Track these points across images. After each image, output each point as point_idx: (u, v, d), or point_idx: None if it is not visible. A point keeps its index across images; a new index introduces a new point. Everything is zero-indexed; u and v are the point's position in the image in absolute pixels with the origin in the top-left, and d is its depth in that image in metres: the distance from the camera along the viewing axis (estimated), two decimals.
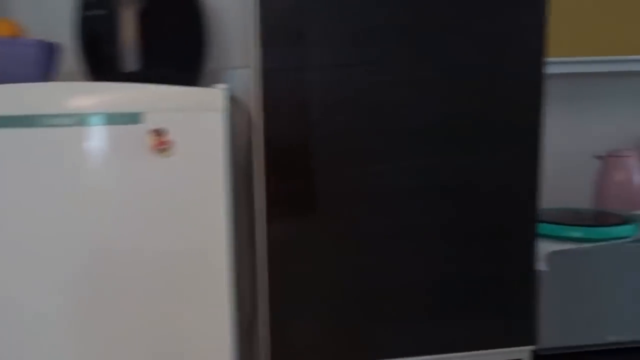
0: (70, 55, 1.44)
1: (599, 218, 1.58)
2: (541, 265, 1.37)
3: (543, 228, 1.49)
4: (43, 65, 1.15)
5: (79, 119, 1.06)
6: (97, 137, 1.07)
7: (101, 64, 1.34)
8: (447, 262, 1.30)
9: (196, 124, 1.09)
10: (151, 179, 1.09)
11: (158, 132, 1.08)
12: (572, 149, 1.81)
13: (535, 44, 1.26)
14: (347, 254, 1.25)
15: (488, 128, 1.27)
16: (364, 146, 1.22)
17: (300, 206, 1.22)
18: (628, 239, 1.45)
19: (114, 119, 1.07)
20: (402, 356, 1.30)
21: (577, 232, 1.46)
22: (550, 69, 1.63)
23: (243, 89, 1.48)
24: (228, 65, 1.52)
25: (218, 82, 1.49)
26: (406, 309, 1.30)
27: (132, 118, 1.07)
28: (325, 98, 1.19)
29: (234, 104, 1.50)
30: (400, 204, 1.25)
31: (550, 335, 1.42)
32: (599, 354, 1.46)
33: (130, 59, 1.29)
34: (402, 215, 1.26)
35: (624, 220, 1.49)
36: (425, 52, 1.22)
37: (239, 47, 1.53)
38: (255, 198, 1.26)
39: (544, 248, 1.39)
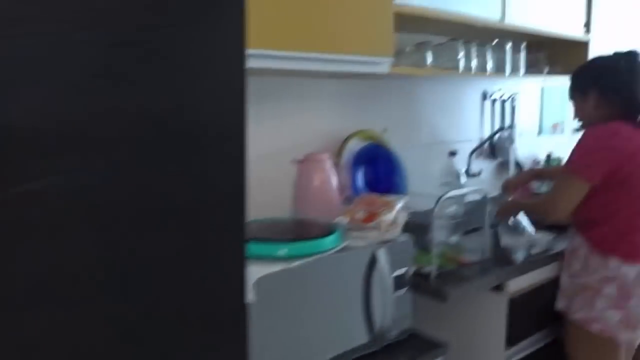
0: None
1: (302, 230, 1.46)
2: (249, 296, 1.16)
3: (248, 247, 1.29)
4: None
5: None
6: None
7: None
8: (133, 309, 0.97)
9: None
10: None
11: None
12: (264, 151, 1.67)
13: (235, 35, 1.02)
14: None
15: (179, 131, 0.98)
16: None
17: None
18: (332, 250, 1.36)
19: None
20: None
21: (282, 250, 1.30)
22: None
23: None
24: None
25: None
26: None
27: None
28: None
29: None
30: (54, 236, 0.87)
31: None
32: None
33: None
34: (59, 252, 0.88)
35: (328, 231, 1.39)
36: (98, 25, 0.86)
37: None
38: None
39: (251, 273, 1.19)
